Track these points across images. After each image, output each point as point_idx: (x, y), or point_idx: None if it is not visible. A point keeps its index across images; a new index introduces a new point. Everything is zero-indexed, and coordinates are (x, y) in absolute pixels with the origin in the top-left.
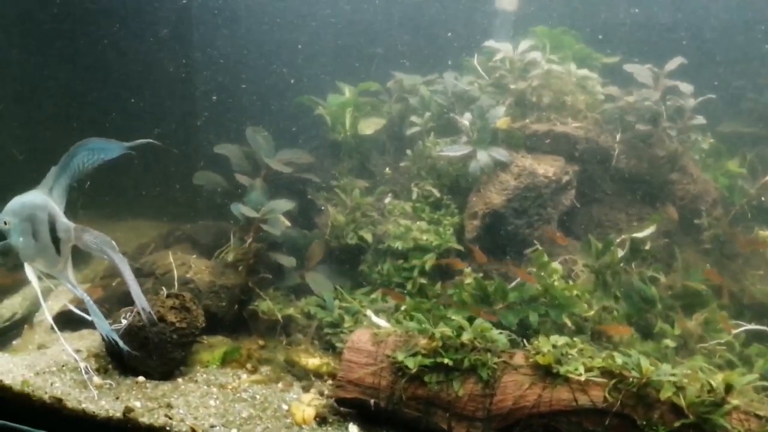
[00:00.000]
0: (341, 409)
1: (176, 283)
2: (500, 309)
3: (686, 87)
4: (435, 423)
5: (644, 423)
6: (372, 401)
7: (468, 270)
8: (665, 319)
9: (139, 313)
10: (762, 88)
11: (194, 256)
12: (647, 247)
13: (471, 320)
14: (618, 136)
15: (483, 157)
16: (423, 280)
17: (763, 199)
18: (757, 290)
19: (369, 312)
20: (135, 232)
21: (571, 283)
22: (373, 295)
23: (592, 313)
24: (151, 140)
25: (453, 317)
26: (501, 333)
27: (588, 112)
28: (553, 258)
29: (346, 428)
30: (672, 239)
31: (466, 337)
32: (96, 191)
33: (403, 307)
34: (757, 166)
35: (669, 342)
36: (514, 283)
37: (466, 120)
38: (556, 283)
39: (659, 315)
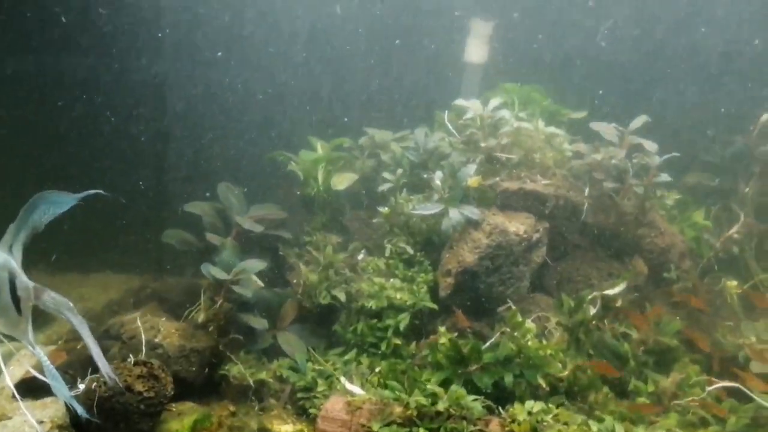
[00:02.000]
0: None
1: (144, 348)
2: (475, 370)
3: (651, 145)
4: None
5: None
6: None
7: (443, 329)
8: (639, 375)
9: (105, 382)
10: (726, 142)
11: (163, 318)
12: (618, 304)
13: (447, 382)
14: (587, 192)
15: (455, 215)
16: (397, 341)
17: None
18: (727, 343)
19: (343, 378)
20: (104, 286)
21: (544, 341)
22: (347, 356)
23: (566, 373)
24: (100, 191)
25: (427, 384)
26: (476, 399)
27: (556, 169)
28: (527, 315)
29: None
30: (642, 293)
31: (441, 405)
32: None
33: (377, 369)
34: (722, 219)
35: (643, 400)
36: (488, 343)
37: (437, 178)
38: (530, 343)
39: (632, 372)
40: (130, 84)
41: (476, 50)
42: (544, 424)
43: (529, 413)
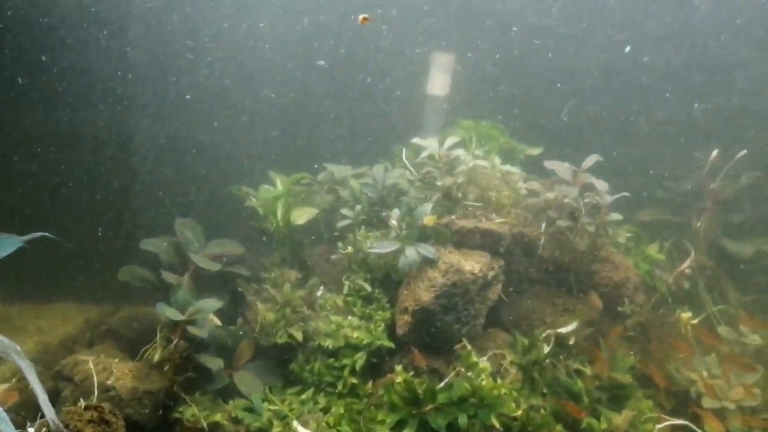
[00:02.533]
0: None
1: (96, 391)
2: (430, 411)
3: (602, 185)
4: None
5: None
6: None
7: (399, 368)
8: (592, 412)
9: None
10: (679, 177)
11: (116, 359)
12: (572, 342)
13: (401, 423)
14: (542, 228)
15: (411, 253)
16: (354, 380)
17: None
18: (680, 377)
19: (295, 422)
20: (63, 317)
21: (499, 379)
22: (303, 396)
23: (519, 412)
24: (46, 233)
25: (382, 425)
26: None
27: (512, 207)
28: (483, 352)
29: None
30: (597, 327)
31: None
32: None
33: (333, 409)
34: (675, 254)
35: None
36: (443, 383)
37: (394, 217)
38: (484, 383)
39: (586, 409)
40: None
41: (439, 84)
42: None
43: None
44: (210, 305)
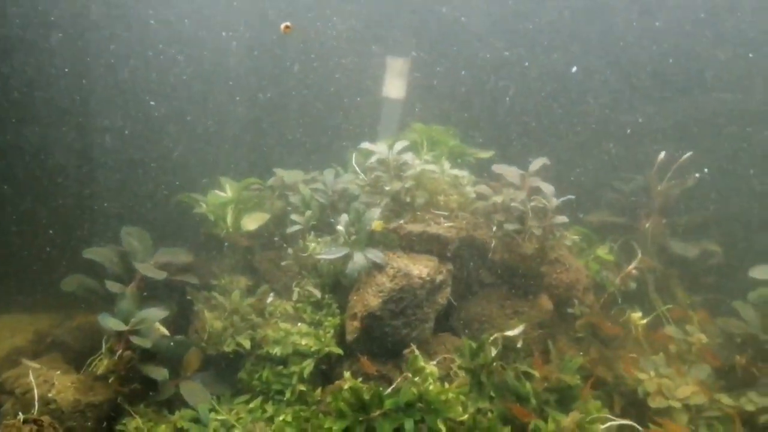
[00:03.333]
0: None
1: (37, 404)
2: (377, 417)
3: (548, 188)
4: None
5: None
6: None
7: (347, 375)
8: (540, 414)
9: None
10: (628, 179)
11: (58, 372)
12: (519, 345)
13: (348, 430)
14: (492, 232)
15: (359, 259)
16: (302, 387)
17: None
18: (628, 376)
19: None
20: (12, 329)
21: (446, 383)
22: (252, 404)
23: (466, 417)
24: None
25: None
26: None
27: (460, 211)
28: (433, 357)
29: None
30: (546, 329)
31: None
32: None
33: (280, 418)
34: (623, 255)
35: None
36: (390, 389)
37: (342, 223)
38: (431, 387)
39: (534, 411)
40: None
41: (395, 87)
42: None
43: None
44: (154, 315)
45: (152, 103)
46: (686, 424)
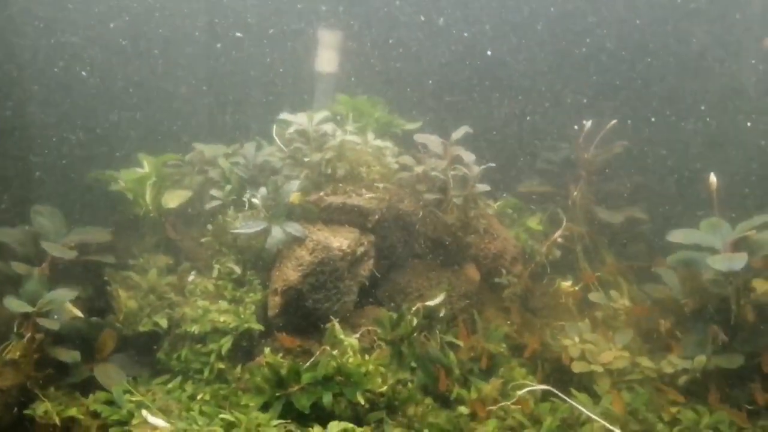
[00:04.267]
0: None
1: None
2: (295, 391)
3: (469, 156)
4: None
5: None
6: None
7: (267, 351)
8: (464, 384)
9: None
10: (555, 148)
11: None
12: (441, 314)
13: (266, 406)
14: (414, 203)
15: (277, 232)
16: (222, 365)
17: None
18: (555, 344)
19: (144, 411)
20: None
21: (368, 356)
22: (170, 385)
23: (385, 388)
24: None
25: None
26: (279, 424)
27: (383, 182)
28: (356, 330)
29: None
30: (473, 300)
31: None
32: None
33: (199, 396)
34: (551, 224)
35: (463, 409)
36: (309, 363)
37: (260, 196)
38: (350, 360)
39: (457, 381)
40: None
41: (327, 61)
42: None
43: None
44: (63, 295)
45: (83, 73)
46: (609, 388)
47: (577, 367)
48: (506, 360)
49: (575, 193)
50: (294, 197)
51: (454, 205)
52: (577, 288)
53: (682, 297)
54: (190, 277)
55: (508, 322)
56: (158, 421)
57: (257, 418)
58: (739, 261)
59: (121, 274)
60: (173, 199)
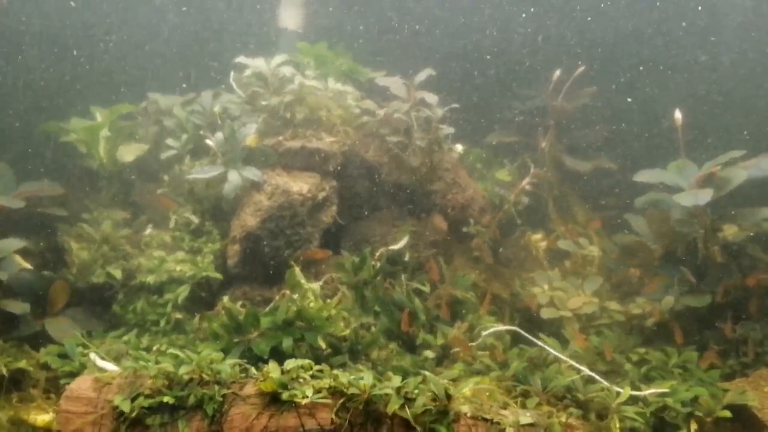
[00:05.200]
0: None
1: None
2: (254, 338)
3: (432, 98)
4: None
5: None
6: None
7: (225, 299)
8: (430, 329)
9: None
10: (524, 98)
11: None
12: (406, 258)
13: (224, 353)
14: (379, 150)
15: (234, 177)
16: (179, 315)
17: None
18: (524, 293)
19: (93, 354)
20: None
21: (329, 300)
22: (126, 337)
23: (348, 332)
24: None
25: (178, 352)
26: (235, 364)
27: (344, 126)
28: (319, 277)
29: None
30: (441, 249)
31: (184, 369)
32: None
33: (155, 347)
34: (519, 175)
35: (429, 353)
36: (268, 308)
37: (215, 141)
38: (311, 304)
39: (423, 326)
40: None
41: (291, 17)
42: (301, 380)
43: (284, 371)
44: (8, 245)
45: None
46: (576, 332)
47: (546, 313)
48: (474, 308)
49: (544, 144)
50: (250, 140)
51: (418, 147)
52: (546, 241)
53: (652, 242)
54: (147, 230)
55: (476, 272)
56: (107, 364)
57: (210, 356)
58: (703, 196)
59: (75, 227)
60: (129, 153)
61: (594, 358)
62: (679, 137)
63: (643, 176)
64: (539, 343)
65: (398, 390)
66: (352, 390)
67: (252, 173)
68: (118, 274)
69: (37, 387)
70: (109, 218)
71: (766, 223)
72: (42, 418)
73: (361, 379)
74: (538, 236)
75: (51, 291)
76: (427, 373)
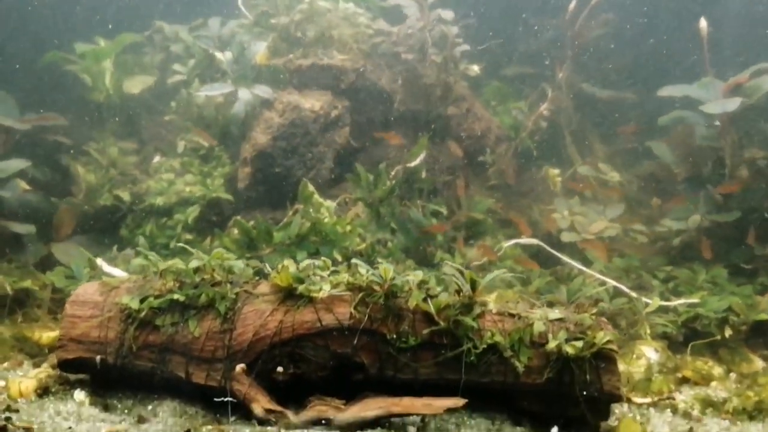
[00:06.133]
0: (70, 376)
1: None
2: (267, 253)
3: (447, 14)
4: (171, 372)
5: (394, 336)
6: (98, 358)
7: (237, 217)
8: (447, 250)
9: None
10: (542, 29)
11: None
12: (423, 176)
13: None
14: (394, 75)
15: (245, 95)
16: (189, 236)
17: (542, 125)
18: (543, 221)
19: (100, 260)
20: None
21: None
22: (134, 260)
23: (364, 246)
24: None
25: (189, 248)
26: (248, 263)
27: (355, 44)
28: (333, 199)
29: (72, 396)
30: (457, 174)
31: (195, 264)
32: None
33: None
34: (537, 105)
35: (448, 269)
36: (281, 223)
37: (225, 60)
38: (326, 220)
39: (441, 247)
40: None
41: None
42: (318, 277)
43: (300, 269)
44: (14, 164)
45: None
46: (600, 254)
47: (567, 237)
48: (491, 230)
49: (561, 74)
50: (260, 57)
51: (433, 63)
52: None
53: (675, 166)
54: (155, 159)
55: (493, 200)
56: (114, 270)
57: (221, 253)
58: (732, 103)
59: (82, 155)
60: (136, 85)
61: (620, 274)
62: (704, 52)
63: (668, 91)
64: (563, 257)
65: (420, 284)
66: (372, 283)
67: (262, 90)
68: (126, 196)
69: (42, 307)
70: (115, 147)
71: None
72: (47, 335)
73: (380, 271)
74: (556, 171)
75: (57, 216)
76: (449, 263)
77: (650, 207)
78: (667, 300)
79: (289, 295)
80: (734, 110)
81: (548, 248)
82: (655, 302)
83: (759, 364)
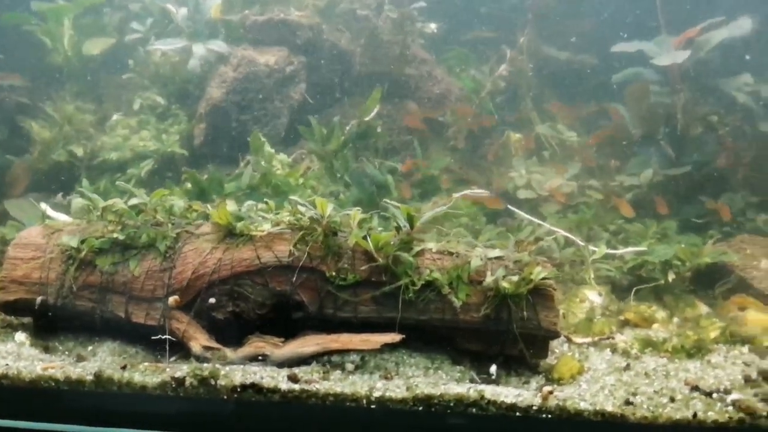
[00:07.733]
0: (14, 320)
1: None
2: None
3: None
4: (111, 312)
5: (333, 274)
6: (39, 298)
7: (190, 170)
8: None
9: None
10: None
11: None
12: (379, 129)
13: None
14: (351, 35)
15: (199, 50)
16: (143, 191)
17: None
18: (502, 178)
19: (44, 204)
20: None
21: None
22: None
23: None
24: None
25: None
26: (189, 205)
27: (312, 1)
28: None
29: (13, 338)
30: (415, 134)
31: (135, 201)
32: None
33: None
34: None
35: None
36: (234, 174)
37: (179, 15)
38: (278, 171)
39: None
40: None
41: None
42: (259, 217)
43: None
44: None
45: None
46: (555, 212)
47: (523, 194)
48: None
49: (522, 38)
50: (215, 10)
51: (389, 18)
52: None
53: (632, 126)
54: (113, 117)
55: (451, 159)
56: (60, 215)
57: (162, 193)
58: (681, 55)
59: (40, 115)
60: (95, 46)
61: (572, 227)
62: (659, 11)
63: (622, 47)
64: (516, 210)
65: (361, 222)
66: (312, 222)
67: (217, 45)
68: (80, 152)
69: None
70: (71, 105)
71: (743, 91)
72: None
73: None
74: (518, 135)
75: (11, 173)
76: (389, 201)
77: (608, 167)
78: (614, 248)
79: (229, 234)
80: (686, 65)
81: (501, 200)
82: (601, 249)
83: (703, 309)
